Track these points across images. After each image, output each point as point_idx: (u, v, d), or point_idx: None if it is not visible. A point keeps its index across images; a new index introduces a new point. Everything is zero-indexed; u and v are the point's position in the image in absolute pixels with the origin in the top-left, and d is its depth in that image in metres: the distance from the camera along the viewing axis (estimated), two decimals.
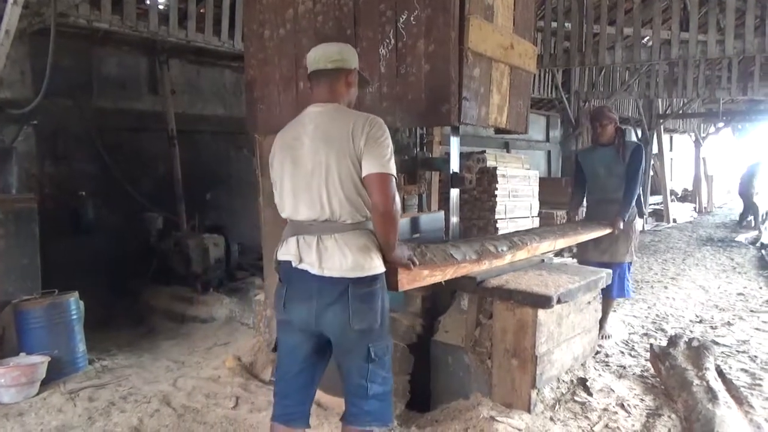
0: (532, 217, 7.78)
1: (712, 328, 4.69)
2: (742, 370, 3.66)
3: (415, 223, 3.23)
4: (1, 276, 3.93)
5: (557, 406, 2.88)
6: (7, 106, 4.32)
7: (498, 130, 3.29)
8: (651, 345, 3.65)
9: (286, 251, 2.13)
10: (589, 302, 3.25)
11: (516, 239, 3.20)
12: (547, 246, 3.49)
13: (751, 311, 5.22)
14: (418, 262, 2.27)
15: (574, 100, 11.28)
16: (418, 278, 2.35)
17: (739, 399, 2.91)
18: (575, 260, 5.12)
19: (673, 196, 15.18)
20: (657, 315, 5.10)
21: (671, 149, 18.66)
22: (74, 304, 3.90)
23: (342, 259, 2.02)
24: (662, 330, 4.61)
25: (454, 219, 3.13)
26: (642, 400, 3.09)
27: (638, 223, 4.36)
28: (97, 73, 6.18)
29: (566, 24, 7.55)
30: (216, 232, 6.02)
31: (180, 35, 5.57)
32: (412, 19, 2.69)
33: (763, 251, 8.61)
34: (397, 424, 2.76)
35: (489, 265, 2.88)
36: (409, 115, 2.76)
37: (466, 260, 2.66)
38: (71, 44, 5.59)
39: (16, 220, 4.01)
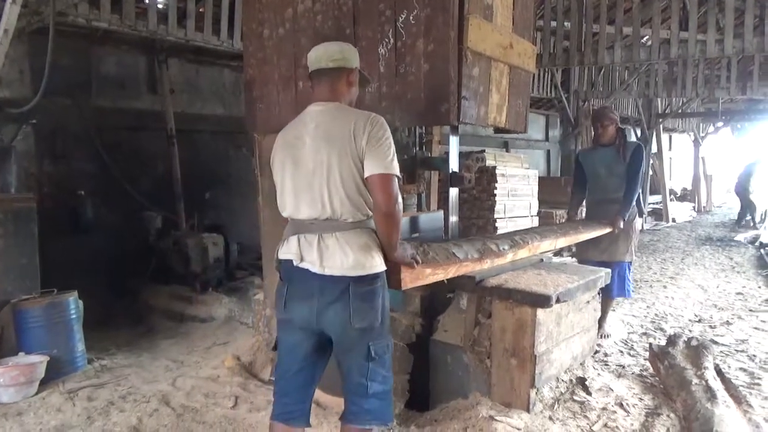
0: (532, 216, 7.78)
1: (711, 327, 4.69)
2: (740, 369, 3.67)
3: (414, 223, 3.23)
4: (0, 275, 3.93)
5: (556, 406, 2.88)
6: (6, 105, 4.32)
7: (497, 130, 3.29)
8: (650, 344, 3.65)
9: (287, 250, 2.13)
10: (588, 301, 3.25)
11: (517, 238, 3.21)
12: (548, 245, 3.50)
13: (750, 310, 5.23)
14: (420, 261, 2.28)
15: (573, 99, 11.28)
16: (421, 276, 2.36)
17: (737, 398, 2.91)
18: (574, 260, 5.12)
19: (672, 196, 15.19)
20: (656, 314, 5.11)
21: (670, 148, 18.67)
22: (73, 303, 3.90)
23: (343, 257, 2.02)
24: (661, 329, 4.61)
25: (454, 218, 3.13)
26: (641, 399, 3.09)
27: (638, 223, 4.37)
28: (96, 72, 6.17)
29: (565, 23, 7.54)
30: (215, 232, 6.01)
31: (179, 34, 5.57)
32: (411, 18, 2.68)
33: (762, 250, 8.62)
34: (396, 424, 2.77)
35: (491, 263, 2.89)
36: (409, 115, 2.76)
37: (468, 259, 2.66)
38: (70, 43, 5.58)
39: (15, 219, 4.01)
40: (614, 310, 4.73)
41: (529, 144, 13.87)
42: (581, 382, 3.12)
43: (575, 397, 2.98)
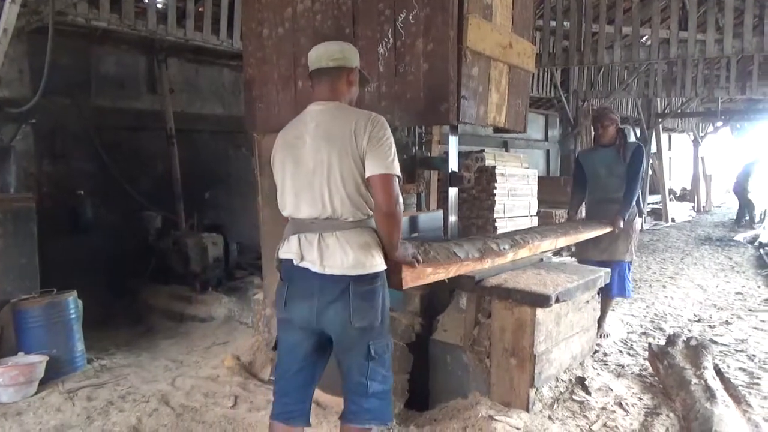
0: (531, 216, 7.78)
1: (710, 327, 4.70)
2: (740, 369, 3.67)
3: (413, 223, 3.24)
4: None
5: (556, 405, 2.88)
6: (6, 105, 4.32)
7: (497, 129, 3.29)
8: (649, 344, 3.66)
9: (288, 249, 2.14)
10: (587, 301, 3.26)
11: (518, 237, 3.22)
12: (548, 244, 3.51)
13: (750, 310, 5.23)
14: (421, 260, 2.28)
15: (572, 99, 11.28)
16: (422, 276, 2.37)
17: (737, 398, 2.91)
18: (574, 259, 5.13)
19: (671, 196, 15.19)
20: (655, 314, 5.11)
21: (670, 148, 18.68)
22: (73, 303, 3.90)
23: (343, 256, 2.03)
24: (660, 329, 4.61)
25: (453, 218, 3.13)
26: (640, 399, 3.09)
27: (638, 223, 4.38)
28: (96, 72, 6.17)
29: (565, 23, 7.54)
30: (215, 231, 6.01)
31: (178, 34, 5.56)
32: (410, 18, 2.68)
33: (761, 250, 8.63)
34: (395, 423, 2.77)
35: (492, 263, 2.90)
36: (408, 114, 2.76)
37: (469, 258, 2.67)
38: (69, 43, 5.58)
39: (14, 219, 4.01)
40: (614, 310, 4.73)
41: (529, 144, 13.88)
42: (580, 381, 3.13)
43: (574, 397, 2.98)
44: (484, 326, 2.89)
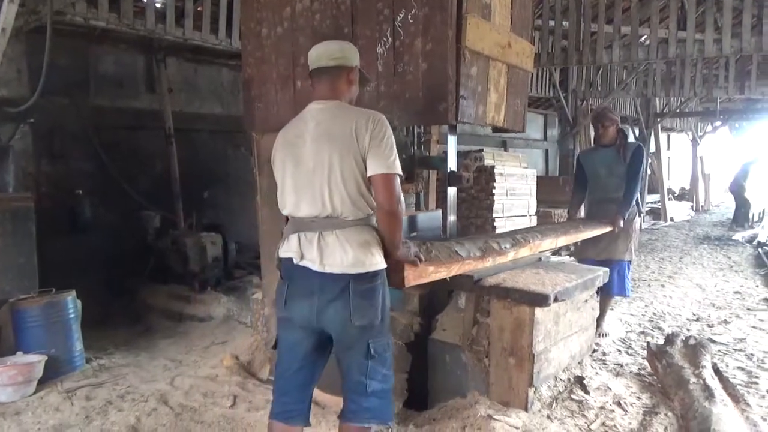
0: (530, 215, 7.78)
1: (708, 326, 4.70)
2: (738, 368, 3.68)
3: (412, 222, 3.24)
4: None
5: (554, 405, 2.88)
6: (4, 105, 4.32)
7: (495, 129, 3.29)
8: (648, 343, 3.66)
9: (288, 248, 2.14)
10: (586, 300, 3.26)
11: (519, 237, 3.22)
12: (549, 243, 3.52)
13: (748, 309, 5.24)
14: (423, 259, 2.29)
15: (571, 98, 11.28)
16: (424, 274, 2.37)
17: (735, 397, 2.92)
18: (573, 259, 5.13)
19: (670, 195, 15.20)
20: (654, 313, 5.11)
21: (668, 148, 18.71)
22: (71, 302, 3.89)
23: (343, 255, 2.03)
24: (659, 328, 4.62)
25: (452, 217, 3.13)
26: (639, 398, 3.10)
27: (638, 222, 4.39)
28: (94, 72, 6.16)
29: (564, 23, 7.54)
30: (213, 231, 6.01)
31: (177, 33, 5.56)
32: (409, 17, 2.68)
33: (759, 250, 8.64)
34: (394, 423, 2.77)
35: (493, 262, 2.90)
36: (407, 114, 2.76)
37: (470, 257, 2.67)
38: (68, 42, 5.57)
39: (12, 218, 4.00)
40: (612, 309, 4.73)
41: (528, 143, 13.89)
42: (579, 381, 3.13)
43: (573, 396, 2.99)
44: (483, 326, 2.89)
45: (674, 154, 19.40)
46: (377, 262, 2.08)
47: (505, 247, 2.98)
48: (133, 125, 6.45)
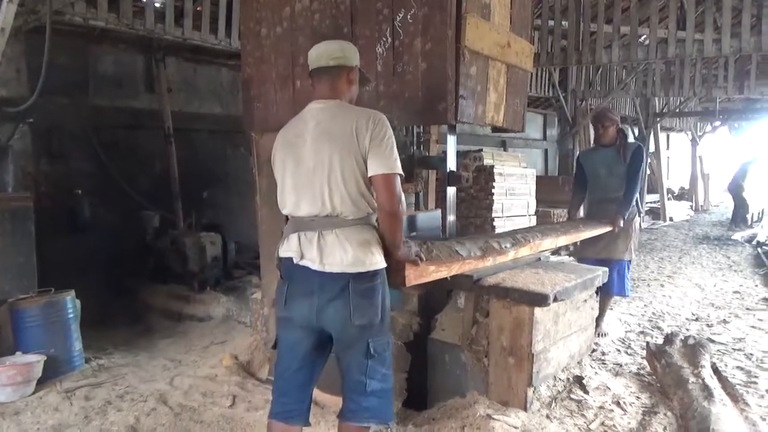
0: (529, 215, 7.78)
1: (708, 326, 4.71)
2: (737, 367, 3.68)
3: (412, 222, 3.24)
4: None
5: (553, 404, 2.88)
6: (3, 104, 4.32)
7: (495, 129, 3.29)
8: (647, 343, 3.66)
9: (288, 248, 2.14)
10: (585, 300, 3.26)
11: (519, 236, 3.23)
12: (549, 243, 3.52)
13: (747, 309, 5.25)
14: (424, 258, 2.29)
15: (571, 98, 11.28)
16: (425, 274, 2.38)
17: (734, 396, 2.92)
18: (572, 258, 5.13)
19: (669, 195, 15.20)
20: (653, 313, 5.12)
21: (668, 148, 18.71)
22: (70, 302, 3.89)
23: (342, 254, 2.03)
24: (658, 328, 4.62)
25: (451, 217, 3.13)
26: (638, 397, 3.10)
27: (638, 222, 4.40)
28: (94, 71, 6.16)
29: (563, 22, 7.54)
30: (213, 231, 6.01)
31: (176, 33, 5.56)
32: (408, 17, 2.68)
33: (759, 249, 8.64)
34: (394, 422, 2.77)
35: (493, 261, 2.90)
36: (406, 114, 2.76)
37: (471, 256, 2.68)
38: (67, 42, 5.57)
39: (12, 218, 4.00)
40: (612, 309, 4.74)
41: (527, 143, 13.89)
42: (578, 380, 3.13)
43: (572, 396, 2.99)
44: (482, 325, 2.89)
45: (673, 153, 19.40)
46: (377, 261, 2.08)
47: (506, 247, 2.99)
48: (132, 125, 6.46)
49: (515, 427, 2.61)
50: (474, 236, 3.14)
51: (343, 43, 2.24)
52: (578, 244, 4.32)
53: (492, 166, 7.15)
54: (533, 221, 7.69)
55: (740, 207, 12.27)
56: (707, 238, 10.60)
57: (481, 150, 7.30)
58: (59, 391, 3.44)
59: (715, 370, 3.19)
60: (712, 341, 4.14)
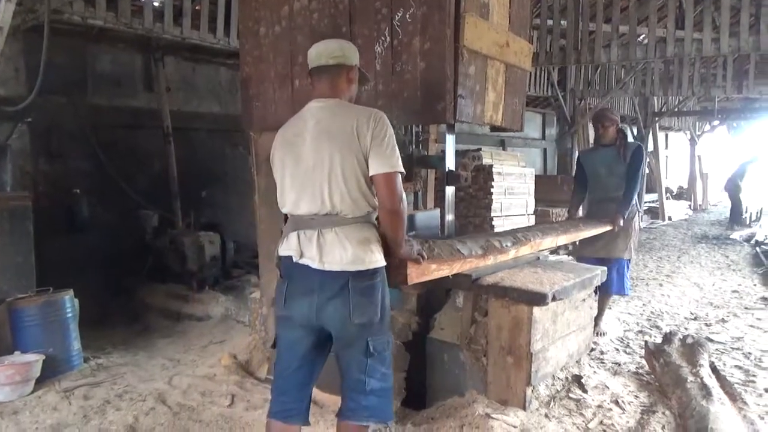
0: (528, 214, 7.79)
1: (706, 325, 4.71)
2: (736, 366, 3.68)
3: (411, 221, 3.23)
4: None
5: (552, 403, 2.88)
6: (1, 104, 4.31)
7: (494, 128, 3.29)
8: (646, 342, 3.67)
9: (287, 247, 2.14)
10: (584, 299, 3.26)
11: (520, 235, 3.23)
12: (549, 242, 3.52)
13: (746, 308, 5.25)
14: (426, 257, 2.29)
15: (569, 97, 11.29)
16: (427, 272, 2.39)
17: (732, 395, 2.93)
18: (571, 258, 5.14)
19: (668, 194, 15.21)
20: (652, 312, 5.12)
21: (666, 147, 18.72)
22: (69, 302, 3.89)
23: (342, 252, 2.03)
24: (657, 327, 4.63)
25: (450, 217, 3.13)
26: (636, 396, 3.10)
27: (638, 221, 4.41)
28: (92, 71, 6.15)
29: (562, 22, 7.55)
30: (212, 230, 6.00)
31: (175, 32, 5.55)
32: (407, 16, 2.68)
33: (757, 248, 8.65)
34: (393, 421, 2.77)
35: (494, 260, 2.91)
36: (405, 113, 2.76)
37: (472, 255, 2.68)
38: (65, 41, 5.56)
39: (10, 218, 3.99)
40: (610, 308, 4.74)
41: (526, 142, 13.89)
42: (577, 379, 3.13)
43: (571, 395, 2.99)
44: (481, 324, 2.89)
45: (672, 153, 19.41)
46: (377, 259, 2.08)
47: (507, 246, 2.99)
48: (131, 124, 6.44)
49: (514, 426, 2.62)
50: (475, 235, 3.14)
51: (343, 42, 2.24)
52: (577, 243, 4.33)
53: (491, 166, 7.16)
54: (532, 220, 7.69)
55: (737, 206, 12.28)
56: (706, 237, 10.61)
57: (480, 149, 7.29)
58: (58, 390, 3.44)
59: (714, 369, 3.19)
60: (711, 340, 4.15)
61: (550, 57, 7.61)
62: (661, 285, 6.30)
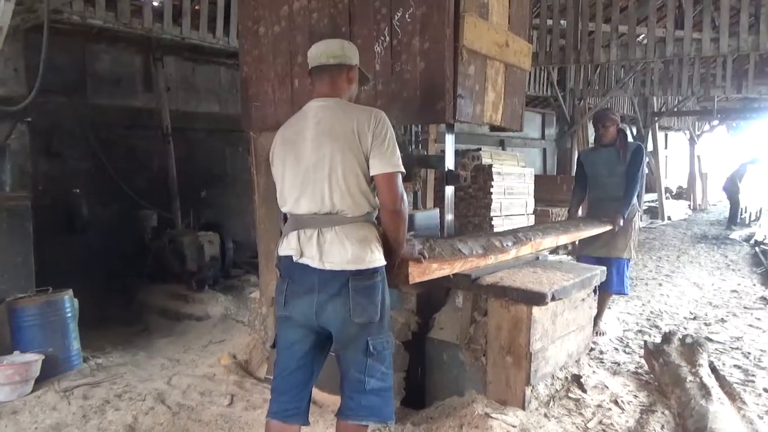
0: (528, 214, 7.80)
1: (705, 324, 4.71)
2: (735, 366, 3.69)
3: (410, 221, 3.22)
4: None
5: (551, 403, 2.89)
6: (1, 103, 4.30)
7: (493, 128, 3.30)
8: (645, 342, 3.67)
9: (287, 246, 2.14)
10: (583, 299, 3.26)
11: (520, 235, 3.23)
12: (550, 242, 3.53)
13: (745, 308, 5.26)
14: (427, 256, 2.29)
15: (569, 97, 11.30)
16: (428, 271, 2.39)
17: (732, 395, 2.93)
18: (570, 257, 5.14)
19: (667, 194, 15.22)
20: (651, 312, 5.12)
21: (666, 147, 18.73)
22: (68, 302, 3.89)
23: (342, 251, 2.03)
24: (656, 327, 4.63)
25: (449, 216, 3.14)
26: (636, 396, 3.10)
27: (638, 220, 4.42)
28: (92, 70, 6.16)
29: (561, 21, 7.55)
30: (211, 230, 6.00)
31: (175, 32, 5.56)
32: (407, 16, 2.68)
33: (756, 248, 8.66)
34: (392, 421, 2.77)
35: (495, 259, 2.91)
36: (404, 113, 2.76)
37: (473, 254, 2.69)
38: (65, 41, 5.56)
39: (9, 217, 3.99)
40: (610, 308, 4.75)
41: (526, 142, 13.89)
42: (576, 379, 3.13)
43: (570, 395, 2.99)
44: (480, 324, 2.89)
45: (672, 152, 19.43)
46: (377, 258, 2.08)
47: (507, 245, 2.99)
48: (130, 124, 6.45)
49: (513, 426, 2.62)
50: (475, 234, 3.14)
51: (343, 42, 2.24)
52: (577, 242, 4.34)
53: (490, 165, 7.17)
54: (531, 220, 7.70)
55: (735, 206, 12.28)
56: (705, 237, 10.61)
57: (480, 149, 7.31)
58: (57, 390, 3.43)
59: (713, 369, 3.19)
60: (710, 340, 4.15)
61: (549, 57, 7.61)
62: (660, 285, 6.31)
